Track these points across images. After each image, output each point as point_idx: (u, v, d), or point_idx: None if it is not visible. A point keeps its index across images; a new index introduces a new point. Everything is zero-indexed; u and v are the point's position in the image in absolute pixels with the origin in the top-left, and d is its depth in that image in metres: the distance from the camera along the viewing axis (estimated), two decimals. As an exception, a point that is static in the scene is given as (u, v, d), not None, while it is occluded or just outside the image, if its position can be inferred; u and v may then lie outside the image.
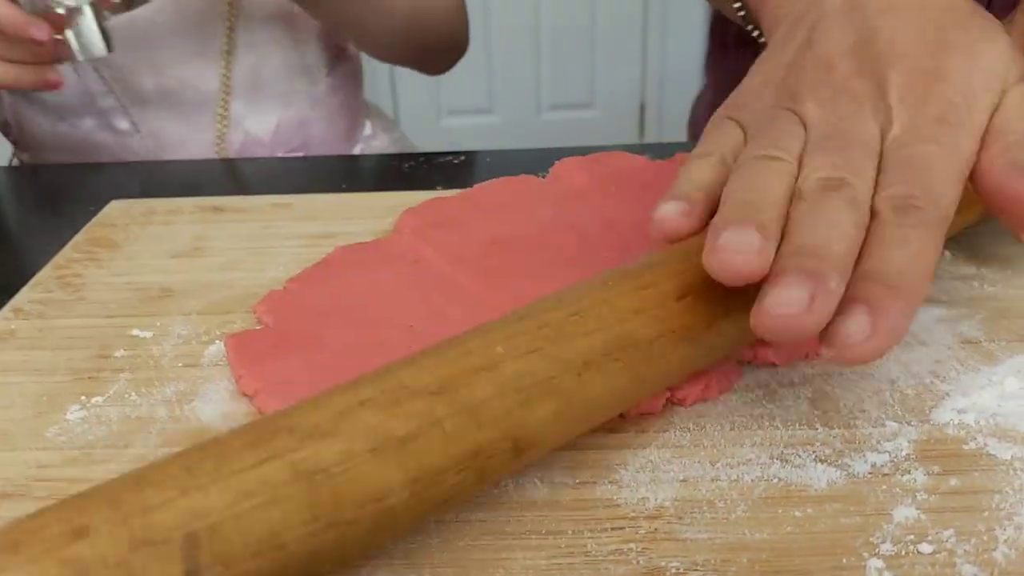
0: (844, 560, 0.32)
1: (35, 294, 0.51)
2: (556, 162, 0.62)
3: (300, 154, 0.86)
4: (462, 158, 0.72)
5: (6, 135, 0.88)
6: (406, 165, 0.71)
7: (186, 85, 0.80)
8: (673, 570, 0.32)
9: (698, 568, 0.32)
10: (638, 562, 0.32)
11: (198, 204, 0.61)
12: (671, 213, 0.38)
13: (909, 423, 0.38)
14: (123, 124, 0.81)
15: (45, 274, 0.53)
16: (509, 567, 0.32)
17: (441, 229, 0.53)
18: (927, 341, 0.44)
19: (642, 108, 2.65)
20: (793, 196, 0.35)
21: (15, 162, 0.90)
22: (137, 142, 0.81)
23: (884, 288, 0.31)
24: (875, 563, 0.32)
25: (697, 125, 0.99)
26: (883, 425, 0.38)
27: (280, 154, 0.85)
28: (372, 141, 0.96)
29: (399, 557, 0.33)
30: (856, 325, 0.31)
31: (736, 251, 0.32)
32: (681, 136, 1.08)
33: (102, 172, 0.74)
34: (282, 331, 0.45)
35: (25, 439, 0.40)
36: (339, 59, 0.92)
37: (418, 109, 2.51)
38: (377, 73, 2.40)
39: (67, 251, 0.55)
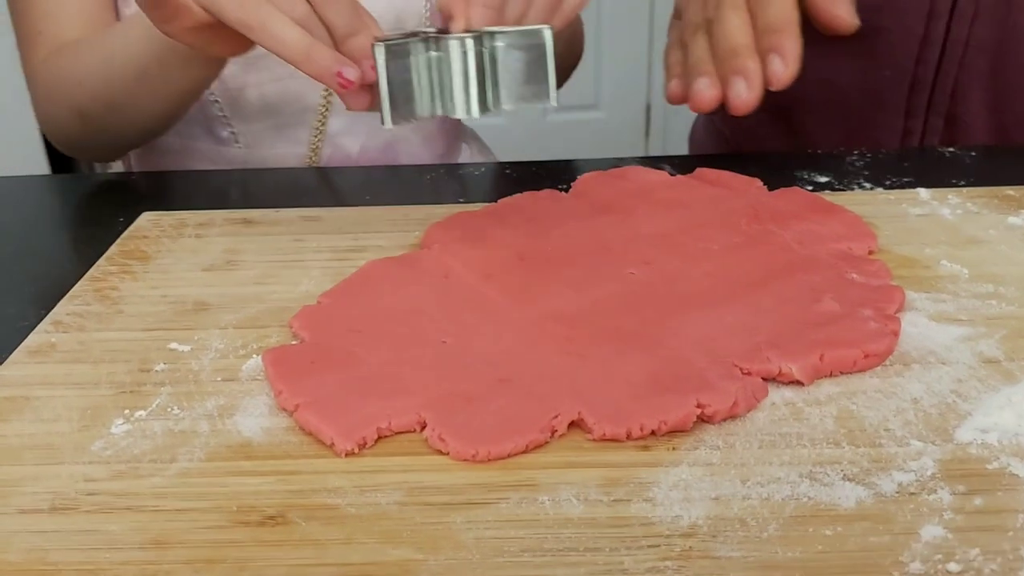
0: (874, 579, 0.33)
1: (74, 307, 0.52)
2: (579, 177, 0.64)
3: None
4: (483, 170, 0.73)
5: None
6: (428, 176, 0.72)
7: (288, 99, 0.80)
8: (708, 587, 0.33)
9: (732, 585, 0.33)
10: (674, 579, 0.33)
11: (228, 217, 0.62)
12: (706, 87, 0.58)
13: (933, 442, 0.39)
14: (224, 133, 0.81)
15: (83, 287, 0.54)
16: (549, 583, 0.33)
17: (468, 244, 0.54)
18: (948, 360, 0.45)
19: (648, 109, 2.66)
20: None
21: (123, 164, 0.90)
22: (234, 152, 0.81)
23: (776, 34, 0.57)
24: (904, 582, 0.33)
25: (694, 139, 1.00)
26: (908, 444, 0.39)
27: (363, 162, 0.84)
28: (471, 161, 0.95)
29: (442, 573, 0.34)
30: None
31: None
32: (687, 139, 1.09)
33: (194, 178, 0.75)
34: (318, 346, 0.46)
35: (71, 453, 0.41)
36: None
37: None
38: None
39: (102, 264, 0.56)
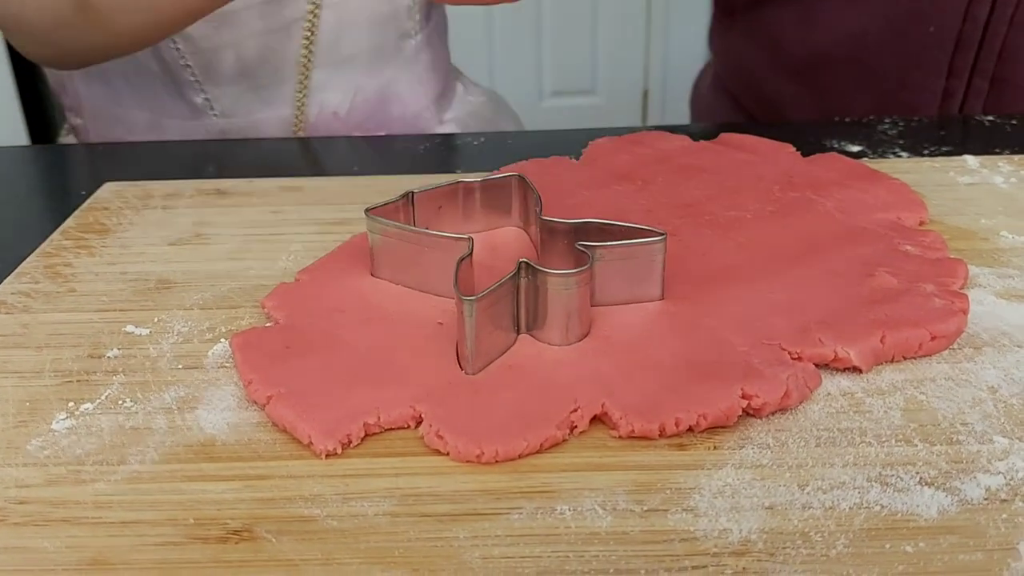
0: (971, 608, 0.27)
1: (20, 285, 0.45)
2: (590, 143, 0.57)
3: (381, 133, 0.77)
4: (482, 140, 0.67)
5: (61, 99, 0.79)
6: (422, 147, 0.66)
7: (267, 56, 0.72)
8: (770, 619, 0.27)
9: (799, 617, 0.27)
10: (727, 609, 0.27)
11: (199, 187, 0.55)
12: None
13: (1020, 439, 0.33)
14: (198, 100, 0.73)
15: (32, 263, 0.47)
16: (574, 614, 0.27)
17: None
18: (1023, 342, 0.39)
19: (645, 95, 2.60)
20: None
21: (68, 135, 0.82)
22: (211, 122, 0.74)
23: None
24: (1009, 611, 0.27)
25: (699, 102, 0.94)
26: (991, 441, 0.33)
27: (358, 133, 0.76)
28: (468, 98, 0.86)
29: (443, 600, 0.28)
30: None
31: None
32: (685, 123, 1.02)
33: (168, 149, 0.68)
34: (294, 329, 0.40)
35: (2, 454, 0.34)
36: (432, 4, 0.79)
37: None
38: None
39: (56, 238, 0.50)
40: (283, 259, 0.47)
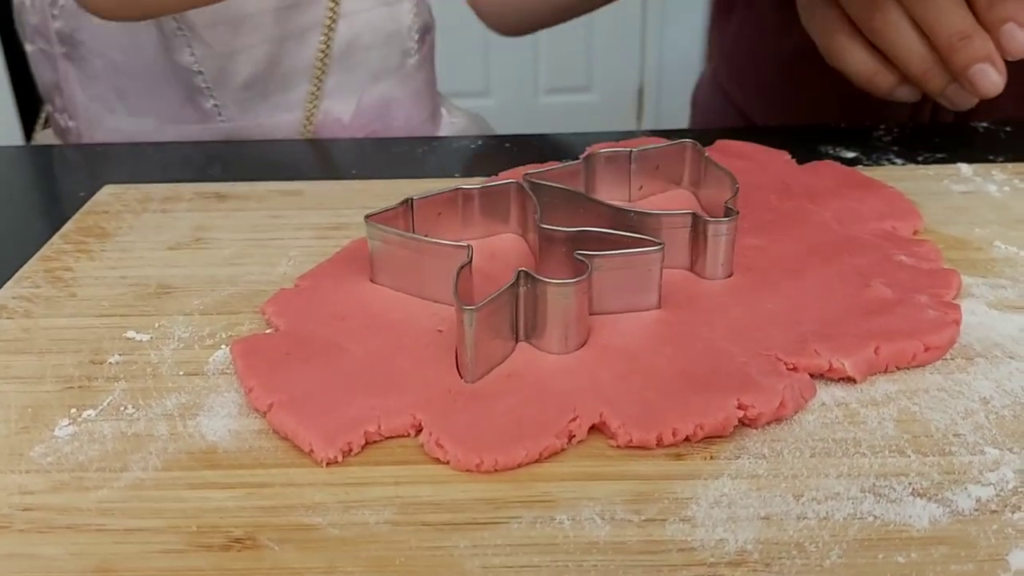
0: (963, 619, 0.27)
1: (21, 289, 0.46)
2: (587, 149, 0.58)
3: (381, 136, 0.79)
4: (479, 143, 0.67)
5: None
6: (420, 149, 0.66)
7: (277, 62, 0.73)
8: (766, 630, 0.27)
9: (794, 627, 0.27)
10: (724, 619, 0.27)
11: (198, 191, 0.55)
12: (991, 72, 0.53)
13: (1011, 450, 0.34)
14: (207, 105, 0.74)
15: (32, 267, 0.48)
16: (573, 624, 0.28)
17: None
18: (1016, 354, 0.39)
19: (640, 92, 2.61)
20: None
21: (44, 131, 0.82)
22: (217, 127, 0.74)
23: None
24: (999, 623, 0.27)
25: (699, 107, 0.94)
26: (982, 452, 0.34)
27: (360, 135, 0.78)
28: (452, 120, 0.89)
29: (443, 610, 0.28)
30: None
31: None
32: (680, 122, 1.03)
33: (168, 151, 0.68)
34: (295, 336, 0.40)
35: (6, 460, 0.35)
36: (428, 28, 0.83)
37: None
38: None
39: (56, 241, 0.50)
40: (283, 264, 0.47)
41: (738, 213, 0.42)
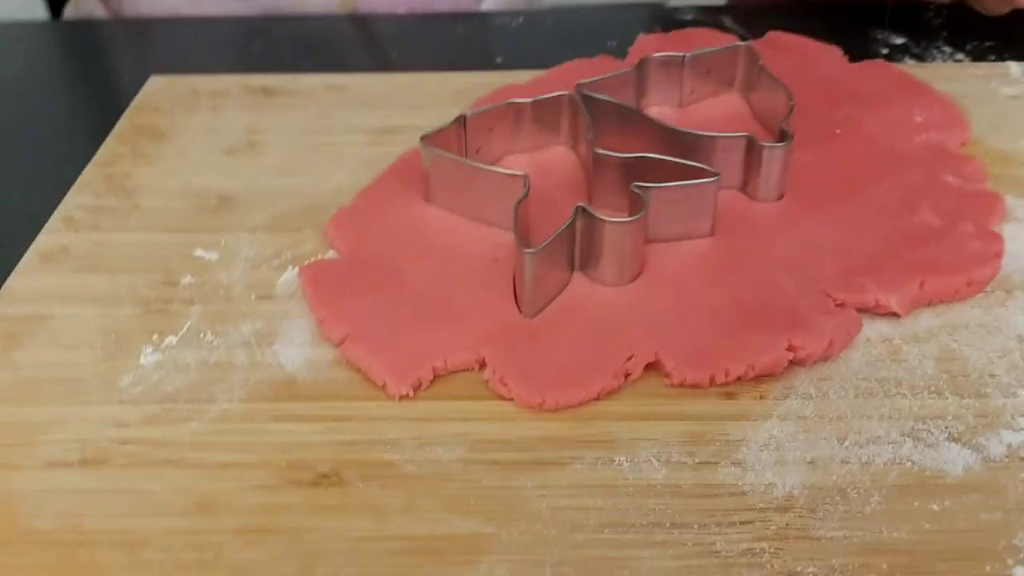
0: (988, 568, 0.30)
1: (85, 199, 0.47)
2: (637, 38, 0.57)
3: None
4: (520, 20, 0.66)
5: None
6: (459, 27, 0.65)
7: None
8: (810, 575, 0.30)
9: (835, 574, 0.30)
10: (772, 566, 0.30)
11: (245, 84, 0.55)
12: None
13: (1043, 391, 0.36)
14: None
15: (92, 173, 0.49)
16: (636, 568, 0.30)
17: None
18: (1053, 285, 0.41)
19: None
20: None
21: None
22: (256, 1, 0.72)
23: None
24: (1022, 572, 0.30)
25: None
26: (1015, 395, 0.36)
27: (401, 11, 0.75)
28: None
29: (516, 552, 0.31)
30: None
31: None
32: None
33: (204, 28, 0.66)
34: (357, 261, 0.42)
35: (98, 390, 0.37)
36: None
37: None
38: None
39: (111, 143, 0.51)
40: (336, 174, 0.48)
41: (792, 137, 0.42)
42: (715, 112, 0.49)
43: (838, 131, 0.48)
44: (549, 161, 0.47)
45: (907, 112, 0.49)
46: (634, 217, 0.38)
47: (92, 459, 0.35)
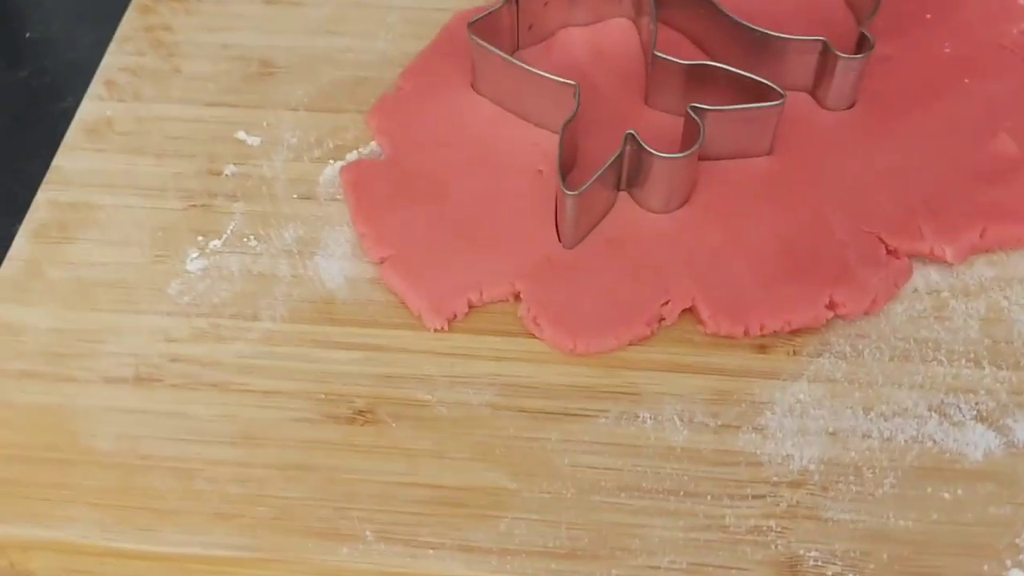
0: (986, 567, 0.31)
1: (126, 57, 0.46)
2: None
3: None
4: None
5: None
6: None
7: None
8: (811, 561, 0.32)
9: (836, 560, 0.32)
10: (776, 546, 0.32)
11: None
12: None
13: (1088, 363, 0.35)
14: None
15: (132, 23, 0.47)
16: (646, 537, 0.32)
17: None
18: None
19: None
20: None
21: None
22: None
23: None
24: (1017, 574, 0.31)
25: None
26: (1056, 368, 0.35)
27: None
28: None
29: (535, 510, 0.33)
30: None
31: None
32: None
33: None
34: (398, 164, 0.41)
35: (149, 298, 0.38)
36: None
37: None
38: None
39: (150, -21, 0.49)
40: (381, 36, 0.46)
41: (872, 47, 0.39)
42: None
43: (928, 16, 0.43)
44: (606, 41, 0.44)
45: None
46: (685, 153, 0.36)
47: (145, 376, 0.37)
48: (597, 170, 0.36)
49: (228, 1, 0.48)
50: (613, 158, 0.37)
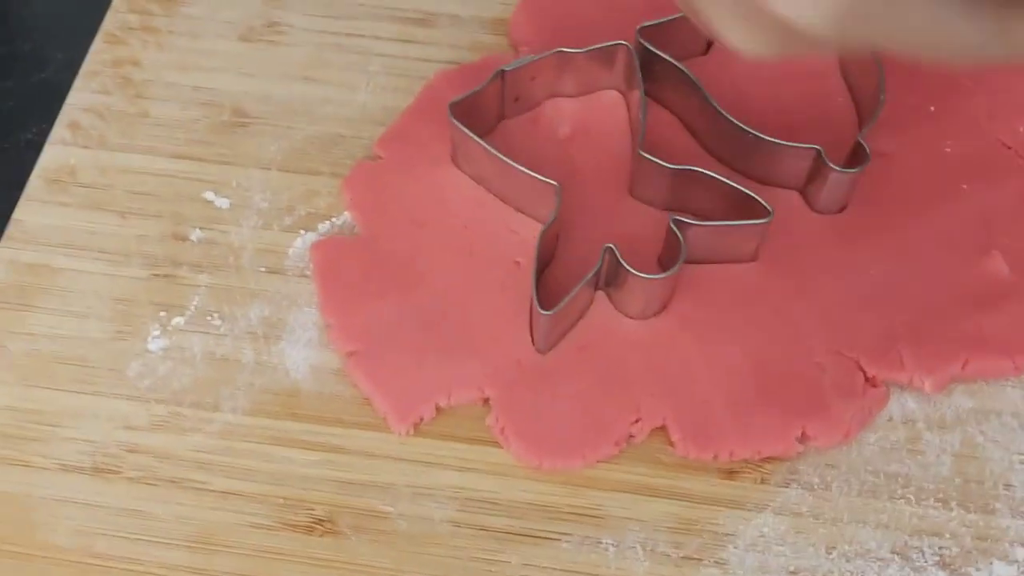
0: None
1: (92, 96, 0.44)
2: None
3: None
4: None
5: None
6: None
7: None
8: None
9: None
10: None
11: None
12: None
13: (1055, 511, 0.35)
14: None
15: (100, 54, 0.45)
16: (599, 677, 0.32)
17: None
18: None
19: None
20: None
21: None
22: None
23: None
24: None
25: None
26: (1022, 516, 0.35)
27: None
28: None
29: (491, 642, 0.33)
30: None
31: None
32: None
33: None
34: (372, 243, 0.39)
35: (108, 380, 0.37)
36: None
37: None
38: None
39: (120, 6, 0.46)
40: (361, 88, 0.44)
41: (868, 160, 0.37)
42: (800, 65, 0.42)
43: (932, 108, 0.41)
44: (594, 117, 0.42)
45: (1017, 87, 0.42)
46: (663, 275, 0.35)
47: (103, 467, 0.36)
48: (574, 284, 0.35)
49: (201, 36, 0.45)
50: (591, 274, 0.35)
